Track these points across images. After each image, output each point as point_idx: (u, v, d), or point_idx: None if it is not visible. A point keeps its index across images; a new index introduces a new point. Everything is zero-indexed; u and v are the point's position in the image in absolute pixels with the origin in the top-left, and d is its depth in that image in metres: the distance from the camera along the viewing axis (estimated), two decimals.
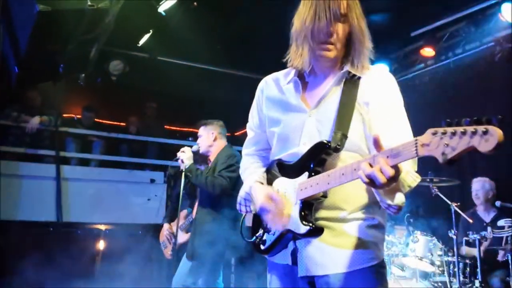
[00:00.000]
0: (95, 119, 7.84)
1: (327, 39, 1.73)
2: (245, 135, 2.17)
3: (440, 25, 6.17)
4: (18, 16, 4.39)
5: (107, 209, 6.66)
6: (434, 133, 1.23)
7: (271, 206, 1.74)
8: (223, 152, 4.29)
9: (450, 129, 1.19)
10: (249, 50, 6.79)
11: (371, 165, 1.41)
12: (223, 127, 4.49)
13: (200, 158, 4.50)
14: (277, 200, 1.74)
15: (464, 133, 1.16)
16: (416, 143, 1.28)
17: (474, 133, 1.14)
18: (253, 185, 1.90)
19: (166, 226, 5.58)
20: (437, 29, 6.28)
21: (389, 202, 1.53)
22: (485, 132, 1.12)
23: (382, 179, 1.38)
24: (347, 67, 1.77)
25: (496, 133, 1.10)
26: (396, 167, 1.39)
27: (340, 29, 1.73)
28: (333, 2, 1.71)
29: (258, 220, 1.93)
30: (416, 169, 1.63)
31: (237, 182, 4.06)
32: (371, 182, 1.41)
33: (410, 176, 1.53)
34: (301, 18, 1.78)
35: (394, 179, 1.40)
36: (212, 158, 4.37)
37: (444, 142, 1.20)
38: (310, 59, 1.82)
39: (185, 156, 4.19)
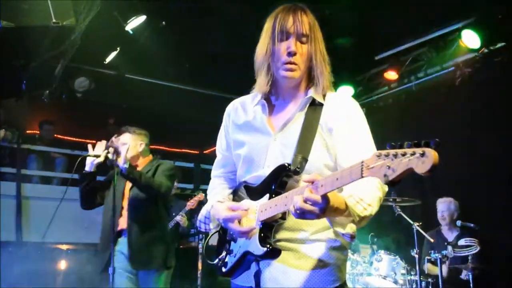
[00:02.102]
0: (57, 135, 7.68)
1: (290, 59, 1.76)
2: (214, 153, 2.18)
3: (404, 49, 6.37)
4: None
5: (69, 228, 6.48)
6: (379, 156, 1.26)
7: (233, 214, 1.75)
8: (161, 162, 4.18)
9: (392, 151, 1.22)
10: (216, 69, 6.83)
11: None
12: (148, 137, 4.34)
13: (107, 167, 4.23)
14: (238, 207, 1.77)
15: (404, 155, 1.18)
16: (362, 165, 1.31)
17: (412, 155, 1.17)
18: (214, 204, 1.92)
19: None
20: (400, 53, 6.48)
21: (341, 230, 1.57)
22: (422, 155, 1.15)
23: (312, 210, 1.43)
24: (311, 93, 1.81)
25: (432, 156, 1.13)
26: (325, 196, 1.43)
27: (303, 49, 1.77)
28: (296, 22, 1.75)
29: (222, 242, 1.93)
30: (386, 189, 1.67)
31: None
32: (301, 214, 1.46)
33: (360, 205, 1.55)
34: (262, 42, 1.83)
35: (324, 208, 1.44)
36: (139, 168, 4.14)
37: (386, 164, 1.22)
38: (273, 82, 1.85)
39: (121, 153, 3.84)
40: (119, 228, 3.85)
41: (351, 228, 1.56)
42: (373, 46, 6.37)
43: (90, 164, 3.88)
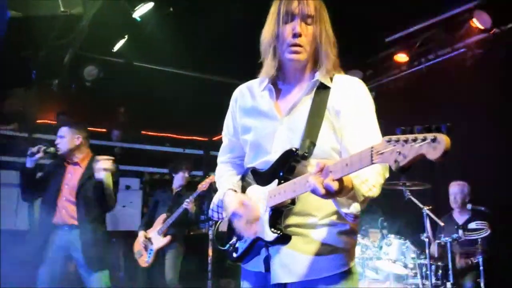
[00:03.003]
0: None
1: (295, 41, 1.75)
2: (222, 140, 2.19)
3: (414, 31, 6.28)
4: None
5: None
6: (388, 141, 1.24)
7: (243, 212, 1.76)
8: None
9: (402, 137, 1.20)
10: (226, 55, 6.80)
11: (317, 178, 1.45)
12: (88, 134, 4.42)
13: (57, 160, 4.36)
14: (249, 206, 1.76)
15: (414, 140, 1.17)
16: (371, 151, 1.30)
17: (423, 140, 1.15)
18: (226, 192, 1.92)
19: (141, 234, 5.55)
20: (410, 35, 6.39)
21: (345, 210, 1.57)
22: (434, 140, 1.13)
23: (322, 191, 1.43)
24: (318, 76, 1.80)
25: (444, 141, 1.11)
26: (340, 180, 1.42)
27: (308, 30, 1.76)
28: (301, 4, 1.74)
29: (231, 228, 1.94)
30: (387, 175, 1.67)
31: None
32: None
33: (366, 186, 1.55)
34: (268, 25, 1.82)
35: (339, 191, 1.44)
36: (81, 164, 4.24)
37: (397, 150, 1.21)
38: (280, 66, 1.84)
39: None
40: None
41: (355, 207, 1.56)
42: (383, 28, 6.28)
43: (30, 160, 4.02)
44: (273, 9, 1.83)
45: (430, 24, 6.10)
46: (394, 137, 1.23)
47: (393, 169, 1.24)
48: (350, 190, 1.52)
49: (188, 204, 5.24)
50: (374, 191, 1.59)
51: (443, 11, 5.83)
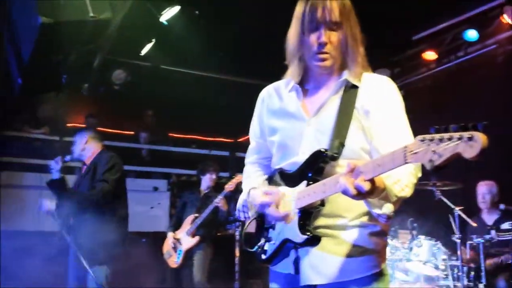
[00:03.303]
0: (98, 128, 7.88)
1: (321, 49, 1.74)
2: (248, 141, 2.19)
3: (442, 28, 6.17)
4: (21, 28, 4.44)
5: None
6: (422, 140, 1.22)
7: (270, 199, 1.76)
8: (102, 154, 4.31)
9: (437, 136, 1.18)
10: (250, 57, 6.82)
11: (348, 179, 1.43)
12: (97, 134, 4.53)
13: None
14: (273, 192, 1.77)
15: (450, 139, 1.15)
16: (405, 151, 1.28)
17: (459, 139, 1.13)
18: (250, 191, 1.93)
19: (170, 234, 5.61)
20: (439, 32, 6.28)
21: (377, 211, 1.55)
22: (470, 138, 1.11)
23: (353, 191, 1.41)
24: (345, 75, 1.78)
25: (480, 139, 1.09)
26: (371, 180, 1.40)
27: (333, 37, 1.73)
28: (325, 11, 1.71)
29: (260, 229, 1.94)
30: (420, 175, 1.64)
31: (120, 183, 4.21)
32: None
33: (398, 186, 1.53)
34: (293, 31, 1.80)
35: (371, 192, 1.42)
36: (87, 162, 4.35)
37: (432, 149, 1.19)
38: (306, 70, 1.84)
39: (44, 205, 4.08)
40: None
41: (387, 208, 1.54)
42: (410, 25, 6.19)
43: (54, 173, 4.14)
44: (297, 12, 1.80)
45: (460, 21, 5.98)
46: (428, 136, 1.20)
47: (427, 169, 1.21)
48: (382, 191, 1.50)
49: (219, 202, 5.25)
50: (407, 191, 1.56)
51: (473, 8, 5.72)
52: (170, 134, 9.05)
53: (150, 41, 6.48)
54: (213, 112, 8.11)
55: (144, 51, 6.65)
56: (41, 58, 4.53)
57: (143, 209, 7.00)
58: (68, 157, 4.29)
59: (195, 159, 7.78)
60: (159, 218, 7.08)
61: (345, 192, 1.43)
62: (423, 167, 1.25)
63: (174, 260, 5.48)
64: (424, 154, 1.21)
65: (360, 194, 1.41)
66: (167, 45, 6.48)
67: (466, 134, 1.12)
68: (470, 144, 1.11)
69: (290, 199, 1.75)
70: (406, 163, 1.28)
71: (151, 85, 7.61)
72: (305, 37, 1.75)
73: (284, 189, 1.83)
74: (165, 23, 5.80)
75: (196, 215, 5.44)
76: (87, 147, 4.33)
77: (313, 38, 1.73)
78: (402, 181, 1.54)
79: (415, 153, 1.24)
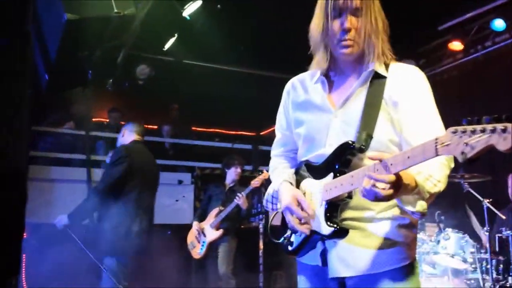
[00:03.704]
0: (122, 122, 7.98)
1: (345, 36, 1.71)
2: (271, 134, 2.19)
3: (468, 18, 6.03)
4: (47, 25, 4.51)
5: None
6: (454, 132, 1.20)
7: (296, 209, 1.74)
8: (126, 146, 4.38)
9: (469, 128, 1.16)
10: (274, 50, 6.80)
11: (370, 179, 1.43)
12: (136, 126, 4.57)
13: None
14: (304, 203, 1.74)
15: (483, 131, 1.12)
16: (436, 143, 1.26)
17: (493, 131, 1.11)
18: (282, 183, 1.90)
19: (195, 223, 5.67)
20: (465, 22, 6.14)
21: (410, 209, 1.52)
22: (504, 130, 1.09)
23: (383, 193, 1.41)
24: (372, 66, 1.75)
25: None
26: (396, 174, 1.39)
27: (357, 23, 1.70)
28: None
29: (286, 221, 1.94)
30: (452, 165, 1.62)
31: (126, 176, 4.15)
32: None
33: (430, 182, 1.50)
34: (316, 19, 1.78)
35: (398, 187, 1.41)
36: None
37: (464, 141, 1.16)
38: (332, 58, 1.82)
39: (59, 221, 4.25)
40: None
41: (421, 206, 1.51)
42: (436, 15, 6.07)
43: None
44: (320, 2, 1.79)
45: (487, 10, 5.83)
46: (460, 128, 1.18)
47: (459, 161, 1.19)
48: (414, 188, 1.48)
49: (240, 199, 5.28)
50: (440, 186, 1.54)
51: None
52: (193, 128, 9.11)
53: (173, 36, 6.52)
54: (235, 106, 8.12)
55: (167, 46, 6.70)
56: (67, 55, 4.60)
57: (169, 202, 7.07)
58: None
59: (218, 153, 7.82)
60: (184, 210, 7.15)
61: (372, 195, 1.44)
62: (455, 159, 1.22)
63: (197, 251, 5.54)
64: (456, 146, 1.19)
65: (388, 193, 1.41)
66: (190, 39, 6.51)
67: (499, 126, 1.09)
68: (504, 136, 1.08)
69: (317, 191, 1.75)
70: (437, 155, 1.26)
71: (174, 80, 7.66)
72: (328, 24, 1.72)
73: (310, 181, 1.82)
74: (188, 17, 5.82)
75: (221, 208, 5.48)
76: (123, 140, 4.46)
77: (336, 25, 1.71)
78: (434, 176, 1.52)
79: (447, 145, 1.22)
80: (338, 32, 1.71)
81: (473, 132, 1.15)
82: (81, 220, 4.29)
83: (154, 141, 7.97)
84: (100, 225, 4.18)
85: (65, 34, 4.12)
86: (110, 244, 4.05)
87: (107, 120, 8.12)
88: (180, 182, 7.30)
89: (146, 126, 8.72)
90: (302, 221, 1.73)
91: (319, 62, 1.83)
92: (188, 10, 5.73)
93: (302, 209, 1.74)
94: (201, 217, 5.72)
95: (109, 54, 5.16)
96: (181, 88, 7.98)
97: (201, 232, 5.55)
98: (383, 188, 1.41)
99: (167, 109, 8.60)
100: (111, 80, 6.50)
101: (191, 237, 5.67)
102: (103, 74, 5.90)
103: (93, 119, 7.81)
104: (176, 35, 6.43)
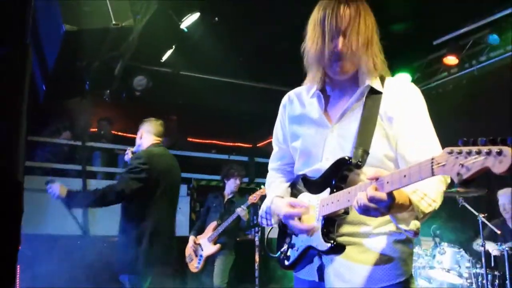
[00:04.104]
0: (117, 132, 8.00)
1: (338, 58, 1.71)
2: (267, 146, 2.20)
3: (463, 32, 6.10)
4: (46, 35, 4.52)
5: None
6: (450, 153, 1.21)
7: (294, 210, 1.77)
8: (147, 149, 3.98)
9: (465, 149, 1.17)
10: (270, 63, 6.84)
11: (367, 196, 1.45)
12: (155, 126, 4.20)
13: None
14: (298, 204, 1.77)
15: (478, 153, 1.13)
16: (432, 163, 1.27)
17: (488, 153, 1.12)
18: (273, 200, 1.92)
19: (191, 239, 5.63)
20: (460, 37, 6.20)
21: (404, 227, 1.53)
22: (499, 153, 1.10)
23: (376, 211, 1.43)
24: (368, 81, 1.75)
25: (510, 155, 1.08)
26: (390, 194, 1.40)
27: (350, 44, 1.69)
28: (338, 21, 1.68)
29: (283, 235, 1.94)
30: (449, 181, 1.62)
31: (143, 185, 3.69)
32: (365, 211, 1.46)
33: (425, 202, 1.51)
34: (310, 40, 1.77)
35: (390, 206, 1.42)
36: None
37: (459, 162, 1.18)
38: (327, 76, 1.83)
39: (56, 189, 3.70)
40: None
41: (415, 225, 1.52)
42: (431, 30, 6.13)
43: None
44: (313, 19, 1.77)
45: (481, 25, 5.90)
46: (456, 149, 1.20)
47: (455, 182, 1.20)
48: (407, 207, 1.49)
49: (242, 211, 5.26)
50: (435, 206, 1.55)
51: (495, 12, 5.63)
52: (190, 139, 9.11)
53: (171, 48, 6.55)
54: (232, 118, 8.14)
55: (164, 58, 6.72)
56: (65, 65, 4.60)
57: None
58: (135, 149, 4.15)
59: (214, 164, 7.82)
60: (180, 222, 7.09)
61: (362, 209, 1.45)
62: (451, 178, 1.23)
63: (194, 265, 5.51)
64: (452, 167, 1.20)
65: (380, 209, 1.42)
66: (187, 51, 6.54)
67: (495, 149, 1.11)
68: (500, 159, 1.10)
69: (314, 208, 1.75)
70: (433, 175, 1.27)
71: (172, 91, 7.68)
72: (322, 46, 1.72)
73: (307, 196, 1.83)
74: (185, 29, 5.86)
75: (219, 221, 5.47)
76: (142, 142, 4.09)
77: (329, 47, 1.70)
78: (429, 195, 1.53)
79: (443, 165, 1.23)
80: (332, 54, 1.71)
81: (469, 153, 1.16)
82: (76, 204, 3.82)
83: None
84: (119, 240, 3.84)
85: (63, 45, 4.13)
86: (128, 262, 3.65)
87: (96, 130, 8.10)
88: None
89: None
90: (303, 222, 1.76)
91: (314, 79, 1.83)
92: (186, 22, 5.77)
93: (300, 209, 1.77)
94: (199, 230, 5.69)
95: (106, 65, 5.18)
96: (178, 99, 8.00)
97: (199, 246, 5.52)
98: (375, 207, 1.42)
99: (165, 120, 8.60)
100: (108, 91, 6.51)
101: (188, 250, 5.64)
102: (100, 85, 5.90)
103: (90, 130, 7.81)
104: (173, 46, 6.46)
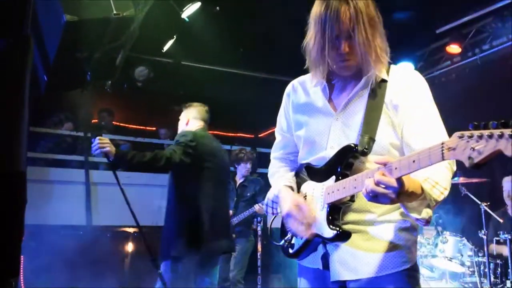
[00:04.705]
0: (119, 123, 7.98)
1: (343, 59, 1.70)
2: (269, 136, 2.19)
3: (466, 21, 6.07)
4: (46, 26, 4.50)
5: (135, 212, 6.74)
6: (461, 137, 1.20)
7: (297, 214, 1.74)
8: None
9: (476, 133, 1.16)
10: (272, 52, 6.81)
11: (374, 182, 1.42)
12: (201, 111, 3.99)
13: None
14: (304, 208, 1.74)
15: (490, 136, 1.12)
16: (442, 147, 1.26)
17: (500, 136, 1.11)
18: (281, 189, 1.90)
19: None
20: (463, 25, 6.18)
21: (416, 216, 1.51)
22: None
23: (385, 195, 1.41)
24: (373, 70, 1.73)
25: None
26: (400, 179, 1.38)
27: (354, 43, 1.66)
28: (340, 22, 1.64)
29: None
30: (455, 168, 1.62)
31: (190, 161, 3.50)
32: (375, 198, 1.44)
33: (437, 190, 1.50)
34: (313, 38, 1.74)
35: (400, 192, 1.40)
36: None
37: (471, 146, 1.17)
38: (330, 72, 1.81)
39: (104, 144, 3.46)
40: None
41: (427, 213, 1.50)
42: (434, 19, 6.10)
43: None
44: (315, 18, 1.72)
45: (484, 14, 5.87)
46: (466, 133, 1.18)
47: (466, 166, 1.18)
48: (419, 195, 1.48)
49: (260, 209, 5.30)
50: (446, 194, 1.54)
51: (497, 0, 5.60)
52: None
53: (172, 38, 6.52)
54: (234, 108, 8.12)
55: (165, 48, 6.70)
56: (66, 56, 4.58)
57: (165, 203, 7.05)
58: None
59: None
60: None
61: (369, 194, 1.43)
62: (460, 163, 1.22)
63: None
64: (463, 151, 1.19)
65: (389, 195, 1.40)
66: (189, 41, 6.52)
67: (507, 132, 1.09)
68: None
69: (318, 194, 1.75)
70: (444, 159, 1.26)
71: (173, 81, 7.67)
72: (325, 48, 1.69)
73: (311, 184, 1.82)
74: (186, 19, 5.83)
75: (234, 211, 5.50)
76: (188, 128, 3.86)
77: (333, 49, 1.69)
78: (441, 183, 1.51)
79: (453, 149, 1.22)
80: (335, 54, 1.70)
81: (480, 137, 1.15)
82: (124, 164, 3.58)
83: (153, 142, 7.97)
84: (169, 225, 3.69)
85: (64, 35, 4.11)
86: (174, 246, 3.50)
87: (97, 121, 8.09)
88: None
89: (145, 128, 8.77)
90: (303, 227, 1.73)
91: (318, 73, 1.80)
92: (187, 12, 5.74)
93: (303, 214, 1.73)
94: None
95: (108, 56, 5.16)
96: (179, 90, 7.98)
97: None
98: (384, 192, 1.41)
99: (166, 110, 8.60)
100: (110, 82, 6.49)
101: None
102: (102, 76, 5.89)
103: (92, 121, 7.80)
104: (175, 36, 6.44)
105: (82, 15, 3.99)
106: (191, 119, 3.93)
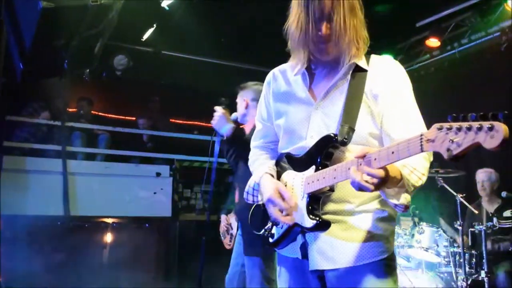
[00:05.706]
0: (98, 113, 7.86)
1: (322, 41, 1.70)
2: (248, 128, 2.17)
3: (446, 15, 6.13)
4: (22, 13, 4.39)
5: (114, 202, 6.68)
6: (440, 128, 1.21)
7: (279, 201, 1.74)
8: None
9: (455, 125, 1.16)
10: (253, 43, 6.78)
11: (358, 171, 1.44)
12: (259, 92, 3.75)
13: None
14: (286, 195, 1.74)
15: (469, 128, 1.13)
16: (421, 139, 1.27)
17: (479, 129, 1.11)
18: (263, 176, 1.89)
19: (222, 218, 5.55)
20: (442, 19, 6.24)
21: (394, 201, 1.53)
22: (491, 128, 1.09)
23: (370, 186, 1.42)
24: (353, 60, 1.74)
25: (502, 129, 1.08)
26: (384, 168, 1.40)
27: (334, 26, 1.67)
28: (321, 5, 1.65)
29: (266, 213, 1.93)
30: (431, 159, 1.64)
31: None
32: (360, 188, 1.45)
33: (415, 175, 1.52)
34: (295, 21, 1.74)
35: (384, 181, 1.43)
36: (247, 130, 3.61)
37: (449, 138, 1.17)
38: (311, 58, 1.81)
39: (219, 119, 3.29)
40: None
41: (405, 198, 1.52)
42: (414, 12, 6.15)
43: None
44: (297, 2, 1.74)
45: (463, 8, 5.95)
46: (446, 125, 1.19)
47: (445, 158, 1.19)
48: (398, 181, 1.50)
49: None
50: (424, 179, 1.56)
51: None
52: (172, 120, 9.03)
53: (152, 26, 6.44)
54: (214, 99, 8.07)
55: (145, 36, 6.62)
56: (42, 43, 4.49)
57: (146, 194, 7.02)
58: (233, 116, 3.62)
59: (197, 145, 7.77)
60: (162, 203, 7.09)
61: (357, 186, 1.44)
62: (439, 155, 1.23)
63: (227, 242, 5.48)
64: (442, 143, 1.20)
65: (373, 185, 1.41)
66: (169, 30, 6.44)
67: (486, 124, 1.10)
68: (491, 134, 1.09)
69: (298, 184, 1.75)
70: (423, 151, 1.27)
71: (153, 71, 7.58)
72: (306, 31, 1.70)
73: (291, 173, 1.82)
74: (167, 8, 5.76)
75: None
76: (248, 112, 3.60)
77: (314, 31, 1.69)
78: (418, 169, 1.54)
79: (432, 141, 1.23)
80: (315, 37, 1.70)
81: (459, 129, 1.15)
82: (237, 144, 3.35)
83: (132, 132, 7.88)
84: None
85: (40, 22, 4.02)
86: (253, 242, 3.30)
87: (76, 110, 7.95)
88: (158, 174, 7.23)
89: (124, 117, 8.65)
90: (284, 213, 1.73)
91: (299, 58, 1.81)
92: (167, 1, 5.67)
93: (284, 200, 1.73)
94: (228, 208, 5.64)
95: (86, 44, 5.06)
96: (160, 79, 7.90)
97: (229, 226, 5.48)
98: (369, 181, 1.42)
99: (146, 100, 8.50)
100: (88, 70, 6.38)
101: (222, 228, 5.62)
102: (80, 64, 5.79)
103: (69, 110, 7.66)
104: (154, 25, 6.36)
105: (59, 1, 3.90)
106: (250, 102, 3.61)
